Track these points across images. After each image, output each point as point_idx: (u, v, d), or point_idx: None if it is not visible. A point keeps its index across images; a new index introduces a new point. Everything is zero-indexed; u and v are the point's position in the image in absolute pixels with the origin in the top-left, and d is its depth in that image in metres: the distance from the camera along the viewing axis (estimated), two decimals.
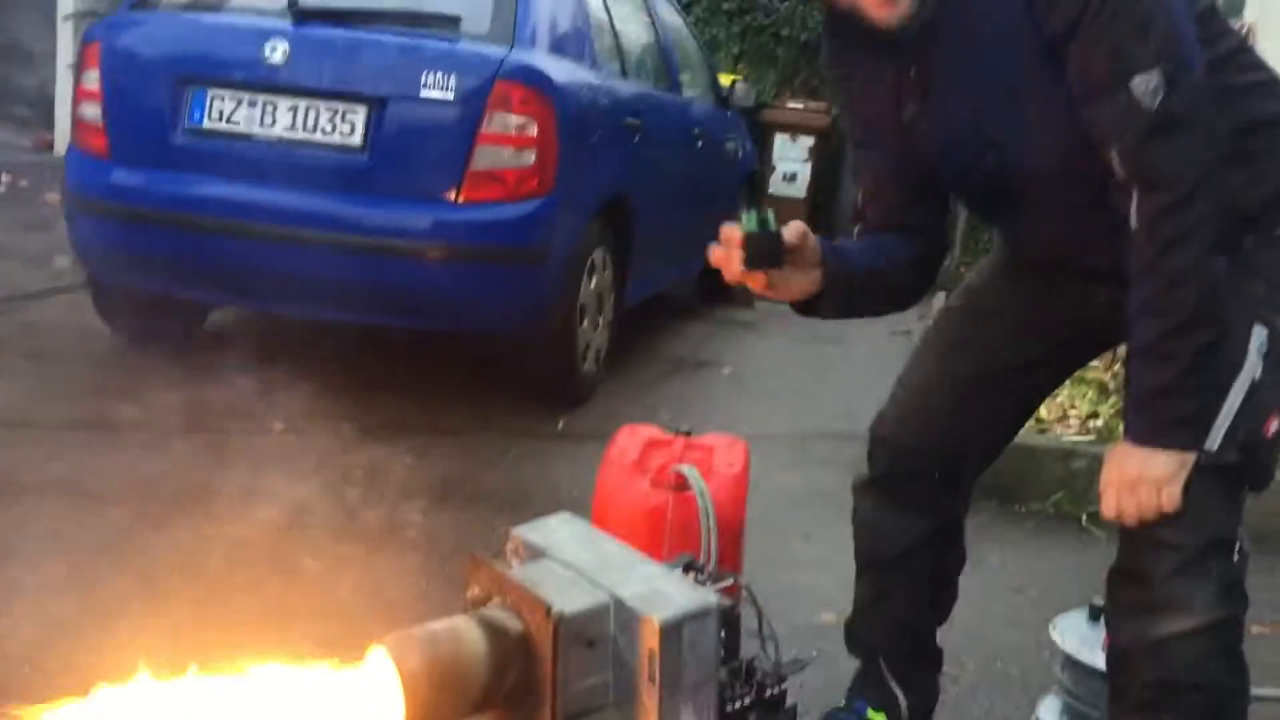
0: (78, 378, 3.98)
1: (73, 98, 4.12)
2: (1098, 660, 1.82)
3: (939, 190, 1.81)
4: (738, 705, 1.44)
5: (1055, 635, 2.00)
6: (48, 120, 8.78)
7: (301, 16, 3.76)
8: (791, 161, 7.96)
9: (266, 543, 2.69)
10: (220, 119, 3.74)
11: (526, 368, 4.09)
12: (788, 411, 4.38)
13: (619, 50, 4.66)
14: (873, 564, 1.99)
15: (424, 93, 3.63)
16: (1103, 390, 3.78)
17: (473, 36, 3.80)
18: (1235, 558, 1.56)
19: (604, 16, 4.57)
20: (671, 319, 5.72)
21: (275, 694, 1.22)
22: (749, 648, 1.49)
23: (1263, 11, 5.44)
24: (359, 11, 3.90)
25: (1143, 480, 1.52)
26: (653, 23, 5.23)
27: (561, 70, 3.92)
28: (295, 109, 3.70)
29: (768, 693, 1.47)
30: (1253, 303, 1.54)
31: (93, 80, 3.90)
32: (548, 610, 1.30)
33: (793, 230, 1.56)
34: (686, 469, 2.18)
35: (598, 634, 1.33)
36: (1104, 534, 2.89)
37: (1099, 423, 3.61)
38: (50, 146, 8.56)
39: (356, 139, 3.67)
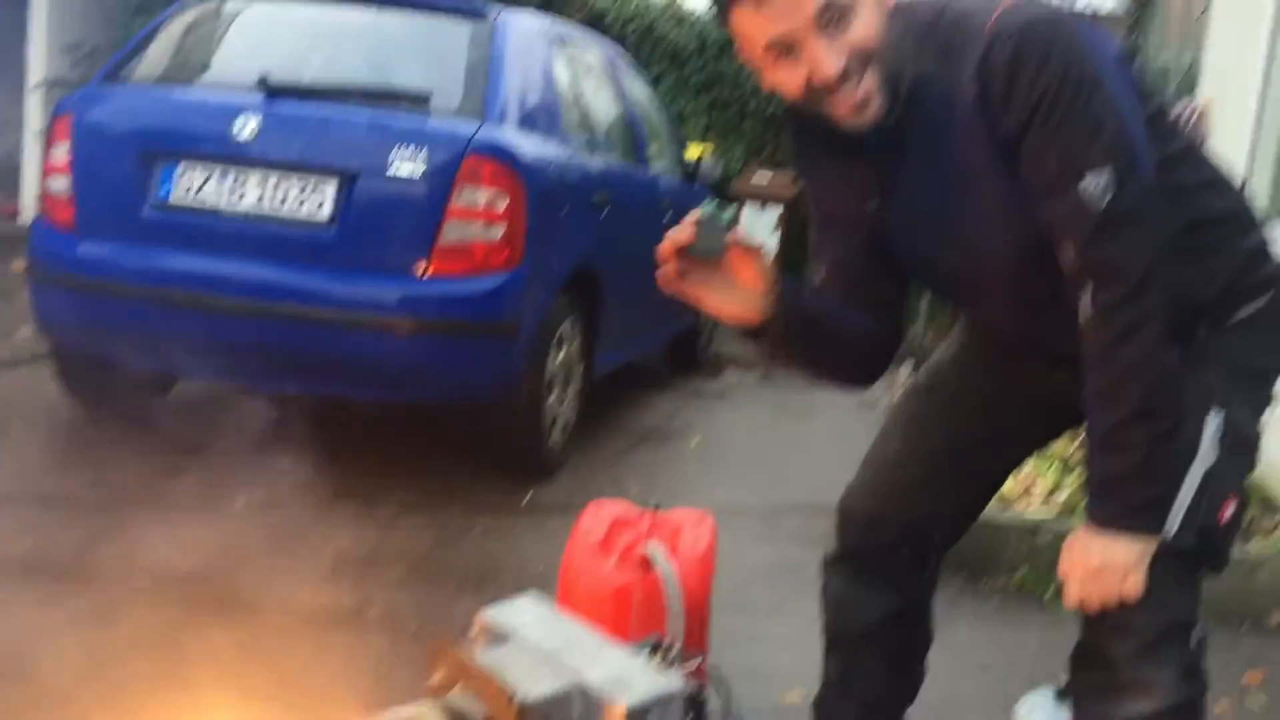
0: (38, 450, 3.93)
1: (41, 170, 4.12)
2: None
3: (899, 271, 1.82)
4: None
5: (1022, 715, 1.99)
6: (13, 187, 8.77)
7: (273, 92, 3.79)
8: (760, 231, 8.06)
9: (225, 622, 2.65)
10: (189, 193, 3.75)
11: (493, 440, 4.08)
12: (756, 484, 4.38)
13: (588, 124, 4.72)
14: (841, 640, 2.00)
15: (393, 167, 3.66)
16: (1065, 465, 3.81)
17: (443, 112, 3.84)
18: (1194, 642, 1.57)
19: (573, 91, 4.64)
20: (640, 389, 5.73)
21: None
22: None
23: (1216, 92, 5.57)
24: (330, 88, 3.93)
25: (1105, 568, 1.54)
26: (621, 97, 5.30)
27: (531, 145, 3.97)
28: (264, 183, 3.72)
29: None
30: (1207, 390, 1.58)
31: (61, 153, 3.91)
32: (510, 697, 1.29)
33: (744, 234, 1.56)
34: (653, 549, 2.18)
35: None
36: (1068, 611, 2.90)
37: (1062, 498, 3.64)
38: (15, 214, 8.54)
39: (325, 213, 3.68)
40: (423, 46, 4.15)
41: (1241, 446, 1.59)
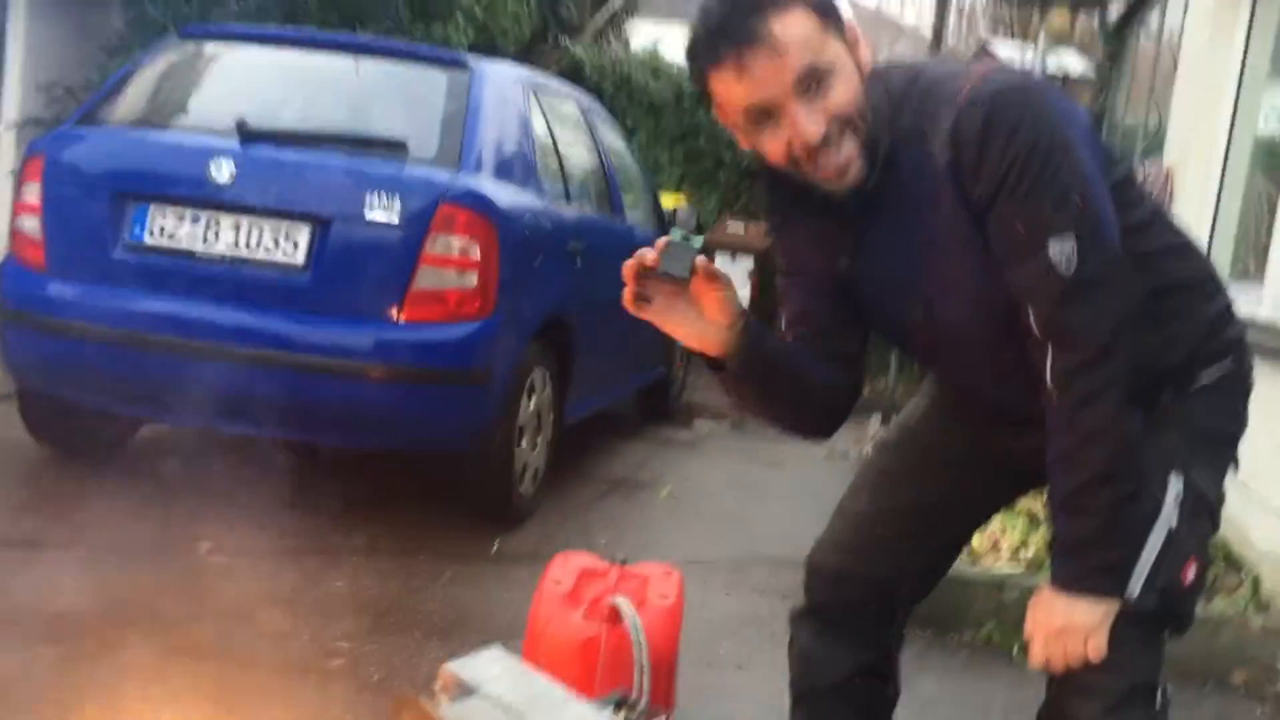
0: (2, 493, 3.89)
1: (11, 209, 4.10)
2: None
3: (862, 325, 1.82)
4: None
5: None
6: None
7: (249, 136, 3.80)
8: (733, 281, 8.10)
9: (189, 671, 2.62)
10: (162, 235, 3.75)
11: (463, 488, 4.07)
12: (724, 535, 4.38)
13: (563, 174, 4.75)
14: (808, 694, 1.99)
15: (368, 214, 3.67)
16: (1032, 520, 3.83)
17: (419, 160, 3.86)
18: (1158, 704, 1.59)
19: (549, 141, 4.67)
20: (610, 437, 5.73)
21: None
22: None
23: (1182, 155, 5.67)
24: (307, 134, 3.95)
25: (1068, 629, 1.55)
26: (597, 147, 5.34)
27: (505, 194, 3.99)
28: (239, 227, 3.72)
29: None
30: (1168, 454, 1.60)
31: (33, 193, 3.89)
32: None
33: (710, 264, 1.54)
34: (620, 602, 2.17)
35: None
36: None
37: (1029, 553, 3.66)
38: None
39: (300, 258, 3.69)
40: (400, 94, 4.18)
41: (1203, 509, 1.61)
